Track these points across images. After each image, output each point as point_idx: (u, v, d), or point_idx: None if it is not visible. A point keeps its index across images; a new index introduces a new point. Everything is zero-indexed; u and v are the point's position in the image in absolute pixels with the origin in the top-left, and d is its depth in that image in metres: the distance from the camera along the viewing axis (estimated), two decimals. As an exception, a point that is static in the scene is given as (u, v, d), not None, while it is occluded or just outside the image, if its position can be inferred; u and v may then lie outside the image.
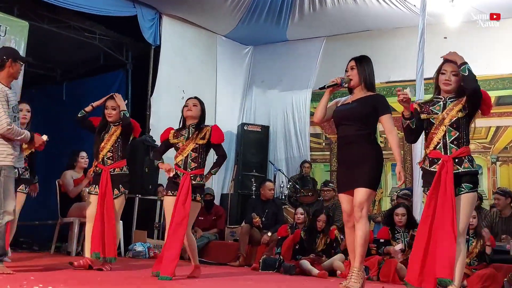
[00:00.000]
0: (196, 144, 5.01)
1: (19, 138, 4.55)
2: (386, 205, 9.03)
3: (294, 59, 10.12)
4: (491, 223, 6.97)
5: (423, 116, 3.92)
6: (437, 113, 3.85)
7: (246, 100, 10.69)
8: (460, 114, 3.78)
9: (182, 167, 5.01)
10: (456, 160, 3.77)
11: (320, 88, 4.46)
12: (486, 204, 7.80)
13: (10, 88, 4.63)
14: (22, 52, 7.18)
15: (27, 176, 5.94)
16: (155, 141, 8.00)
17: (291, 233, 6.92)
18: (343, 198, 4.28)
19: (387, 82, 9.29)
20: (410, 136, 4.05)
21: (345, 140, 4.28)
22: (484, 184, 8.52)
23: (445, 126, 3.79)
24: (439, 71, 3.93)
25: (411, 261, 3.83)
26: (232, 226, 8.29)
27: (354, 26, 9.40)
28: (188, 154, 5.01)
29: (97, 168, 5.38)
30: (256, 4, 8.93)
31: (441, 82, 3.90)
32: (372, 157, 4.20)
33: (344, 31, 9.55)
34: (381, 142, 9.31)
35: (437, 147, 3.82)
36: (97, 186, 5.35)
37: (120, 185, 5.36)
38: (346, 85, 4.36)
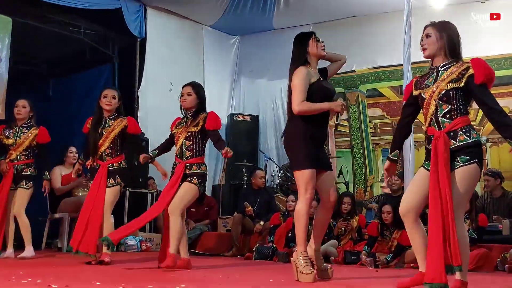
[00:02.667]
0: (189, 132, 4.95)
1: None
2: (378, 190, 9.06)
3: (282, 47, 10.01)
4: (483, 204, 7.01)
5: (414, 92, 3.60)
6: (429, 86, 3.50)
7: (234, 90, 10.67)
8: (449, 86, 3.40)
9: (178, 156, 4.98)
10: (451, 134, 3.39)
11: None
12: (478, 186, 7.83)
13: None
14: (6, 48, 7.12)
15: (28, 172, 5.93)
16: (144, 134, 7.95)
17: (284, 221, 6.93)
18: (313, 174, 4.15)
19: (374, 68, 9.31)
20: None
21: (322, 118, 4.22)
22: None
23: (434, 100, 3.44)
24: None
25: (431, 256, 3.28)
26: (225, 217, 8.29)
27: (340, 13, 9.38)
28: (182, 142, 4.97)
29: (95, 164, 5.31)
30: (241, -7, 8.89)
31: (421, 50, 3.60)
32: None
33: (330, 18, 9.52)
34: (370, 128, 9.40)
35: (431, 123, 3.48)
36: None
37: (117, 176, 5.31)
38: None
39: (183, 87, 5.15)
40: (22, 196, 5.88)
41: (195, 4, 9.23)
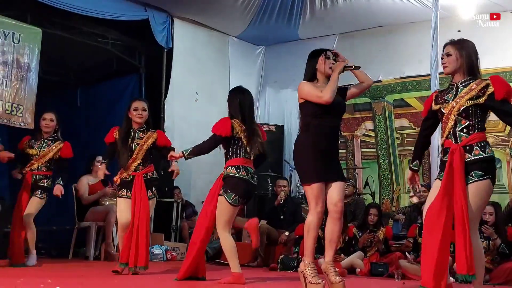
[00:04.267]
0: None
1: None
2: (405, 202, 8.96)
3: (306, 57, 10.07)
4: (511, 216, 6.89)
5: (435, 107, 3.74)
6: (448, 101, 3.64)
7: (259, 100, 10.66)
8: (469, 103, 3.55)
9: None
10: (467, 148, 3.53)
11: (346, 68, 4.31)
12: (506, 198, 7.71)
13: None
14: (36, 59, 7.24)
15: (45, 184, 5.98)
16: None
17: (309, 232, 6.87)
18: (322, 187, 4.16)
19: (401, 78, 9.22)
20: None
21: (329, 130, 4.23)
22: (504, 177, 8.41)
23: (454, 115, 3.58)
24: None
25: (425, 261, 3.49)
26: (250, 227, 8.25)
27: (366, 23, 9.34)
28: None
29: (128, 176, 5.30)
30: (267, 4, 8.90)
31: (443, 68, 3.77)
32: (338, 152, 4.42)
33: (356, 28, 9.48)
34: (397, 138, 9.31)
35: (449, 136, 3.62)
36: (127, 190, 5.30)
37: (153, 188, 5.37)
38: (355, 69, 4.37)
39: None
40: (35, 204, 5.94)
41: (221, 15, 9.28)
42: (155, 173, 5.46)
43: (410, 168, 3.92)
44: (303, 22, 9.40)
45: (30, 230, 5.92)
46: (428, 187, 7.36)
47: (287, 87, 10.37)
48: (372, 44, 9.31)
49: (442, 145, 3.71)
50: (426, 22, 7.56)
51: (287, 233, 7.40)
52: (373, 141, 9.56)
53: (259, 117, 10.52)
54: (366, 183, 8.62)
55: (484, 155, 3.51)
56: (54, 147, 6.04)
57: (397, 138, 9.33)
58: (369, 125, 9.55)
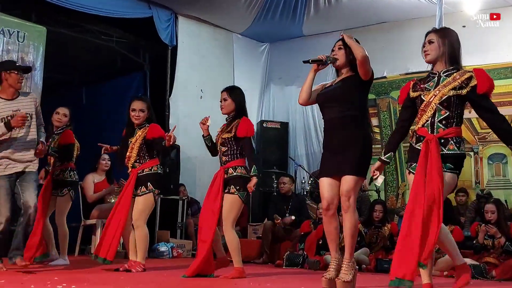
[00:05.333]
0: (222, 138, 4.97)
1: None
2: (409, 198, 8.94)
3: (311, 54, 9.92)
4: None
5: (413, 94, 3.66)
6: (429, 90, 3.57)
7: (264, 97, 10.69)
8: (452, 93, 3.49)
9: (220, 163, 5.05)
10: (442, 140, 3.48)
11: (304, 62, 4.21)
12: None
13: (12, 99, 4.92)
14: (40, 57, 7.25)
15: (69, 178, 6.00)
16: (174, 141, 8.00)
17: (314, 229, 6.90)
18: (325, 183, 3.97)
19: (406, 74, 9.21)
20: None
21: (329, 124, 4.05)
22: (510, 172, 8.40)
23: (434, 104, 3.51)
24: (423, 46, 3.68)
25: (403, 252, 3.39)
26: (255, 224, 8.29)
27: (370, 19, 9.34)
28: (219, 148, 5.03)
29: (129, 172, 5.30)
30: (271, 1, 8.92)
31: (423, 56, 3.67)
32: (359, 141, 3.93)
33: (360, 24, 9.48)
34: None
35: (425, 124, 3.55)
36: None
37: (149, 183, 5.18)
38: (331, 64, 4.11)
39: (221, 92, 5.13)
40: (64, 203, 6.00)
41: (226, 12, 9.29)
42: (154, 168, 5.27)
43: (380, 159, 3.77)
44: (307, 19, 9.40)
45: (62, 231, 5.98)
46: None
47: (291, 84, 10.38)
48: (376, 40, 9.30)
49: (415, 131, 3.64)
50: (430, 18, 7.56)
51: (293, 217, 7.38)
52: (378, 138, 9.55)
53: (263, 115, 10.54)
54: (371, 180, 8.59)
55: (458, 152, 3.49)
56: (59, 138, 6.03)
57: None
58: (374, 121, 9.54)
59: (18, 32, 7.01)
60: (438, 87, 3.54)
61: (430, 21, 7.49)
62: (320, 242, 6.65)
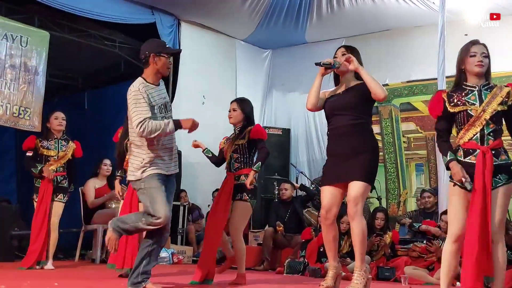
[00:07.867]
0: (236, 145, 5.01)
1: (154, 135, 4.02)
2: (411, 206, 8.93)
3: (314, 61, 10.03)
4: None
5: (458, 108, 3.62)
6: (474, 104, 3.59)
7: (266, 104, 10.68)
8: (500, 108, 3.55)
9: (228, 169, 5.05)
10: (493, 151, 3.54)
11: (316, 64, 4.25)
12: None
13: (158, 85, 4.27)
14: (43, 62, 7.26)
15: (65, 184, 6.06)
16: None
17: (315, 236, 6.88)
18: (326, 191, 3.99)
19: (408, 82, 9.21)
20: None
21: (338, 130, 4.06)
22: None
23: (484, 119, 3.55)
24: (466, 54, 3.65)
25: (467, 265, 3.46)
26: (256, 230, 8.27)
27: (373, 26, 9.34)
28: (230, 156, 5.04)
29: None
30: (274, 8, 8.92)
31: (472, 65, 3.61)
32: (370, 149, 4.01)
33: (363, 32, 9.48)
34: (404, 142, 9.28)
35: (473, 138, 3.58)
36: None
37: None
38: (336, 69, 4.16)
39: (230, 103, 5.23)
40: (57, 210, 6.01)
41: (228, 19, 9.30)
42: None
43: (451, 160, 3.59)
44: (310, 26, 9.41)
45: (54, 235, 6.01)
46: (434, 192, 7.35)
47: (294, 91, 10.38)
48: (378, 47, 9.30)
49: (459, 145, 3.63)
50: (433, 26, 7.55)
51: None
52: (380, 145, 9.53)
53: (265, 121, 10.53)
54: (373, 187, 8.58)
55: (509, 161, 3.59)
56: (69, 147, 6.12)
57: (403, 142, 9.31)
58: (375, 128, 9.52)
59: (21, 37, 7.02)
60: (486, 102, 3.58)
61: (432, 29, 7.49)
62: (321, 250, 6.63)
